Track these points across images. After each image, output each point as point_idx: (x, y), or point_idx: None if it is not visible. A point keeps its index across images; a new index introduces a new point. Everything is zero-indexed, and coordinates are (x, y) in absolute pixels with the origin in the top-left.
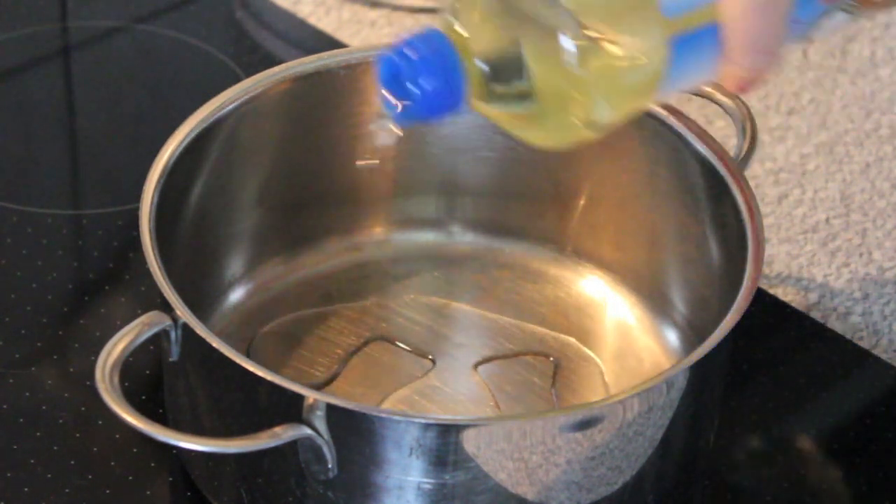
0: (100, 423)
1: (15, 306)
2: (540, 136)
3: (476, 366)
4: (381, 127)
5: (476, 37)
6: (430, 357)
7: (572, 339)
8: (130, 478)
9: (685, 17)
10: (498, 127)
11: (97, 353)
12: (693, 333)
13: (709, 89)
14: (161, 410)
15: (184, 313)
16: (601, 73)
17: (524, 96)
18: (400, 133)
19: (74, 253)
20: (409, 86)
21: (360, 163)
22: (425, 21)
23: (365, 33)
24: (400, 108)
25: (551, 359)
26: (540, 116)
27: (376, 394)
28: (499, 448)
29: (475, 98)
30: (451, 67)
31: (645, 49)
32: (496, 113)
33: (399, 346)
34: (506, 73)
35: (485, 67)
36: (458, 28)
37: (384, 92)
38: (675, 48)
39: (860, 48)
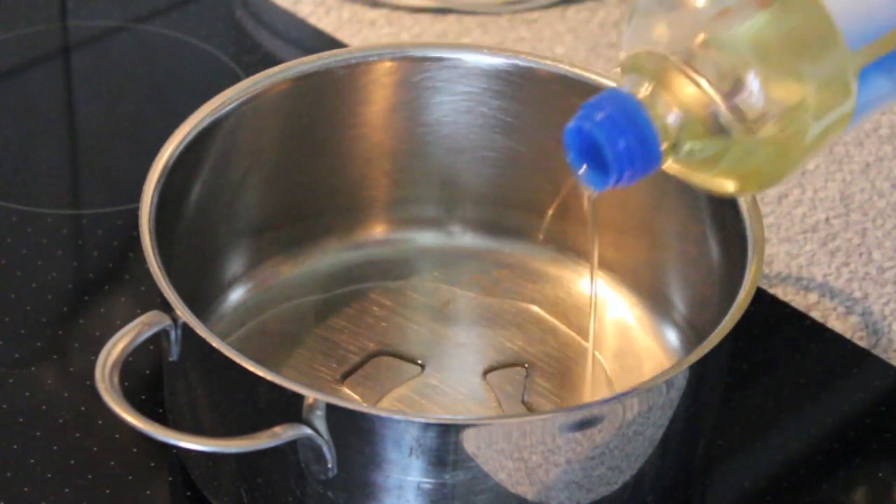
0: (100, 423)
1: (15, 306)
2: (734, 186)
3: (476, 366)
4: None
5: (664, 94)
6: (430, 357)
7: (572, 339)
8: (130, 478)
9: (873, 45)
10: (498, 126)
11: (97, 353)
12: (693, 333)
13: None
14: (161, 410)
15: (184, 313)
16: (793, 128)
17: (716, 148)
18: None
19: (74, 253)
20: (607, 150)
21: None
22: (425, 21)
23: (365, 33)
24: (595, 175)
25: (551, 359)
26: (732, 168)
27: (376, 393)
28: (499, 448)
29: (665, 154)
30: (644, 126)
31: (835, 92)
32: (685, 168)
33: (399, 346)
34: (694, 128)
35: (675, 122)
36: (643, 87)
37: (575, 164)
38: (861, 79)
39: None
